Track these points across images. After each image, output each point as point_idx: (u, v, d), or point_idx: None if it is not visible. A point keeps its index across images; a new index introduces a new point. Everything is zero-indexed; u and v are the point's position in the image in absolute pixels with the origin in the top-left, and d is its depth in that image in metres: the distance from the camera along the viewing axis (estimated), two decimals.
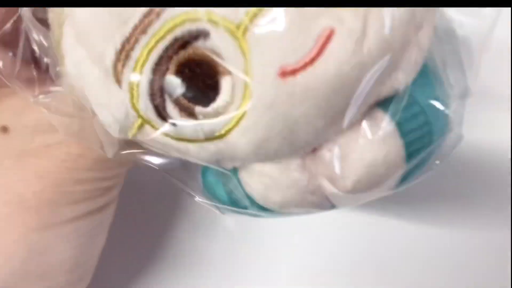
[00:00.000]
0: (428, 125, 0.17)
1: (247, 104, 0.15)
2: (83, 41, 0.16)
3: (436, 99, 0.17)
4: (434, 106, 0.17)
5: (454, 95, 0.17)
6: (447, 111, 0.17)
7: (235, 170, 0.18)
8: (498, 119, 0.28)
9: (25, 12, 0.17)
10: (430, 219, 0.29)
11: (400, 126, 0.17)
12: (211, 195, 0.19)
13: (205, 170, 0.19)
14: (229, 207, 0.19)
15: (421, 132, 0.17)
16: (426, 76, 0.17)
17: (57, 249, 0.21)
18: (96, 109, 0.17)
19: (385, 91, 0.16)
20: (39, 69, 0.18)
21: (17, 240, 0.20)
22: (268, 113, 0.15)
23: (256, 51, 0.14)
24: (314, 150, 0.17)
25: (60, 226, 0.21)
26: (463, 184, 0.28)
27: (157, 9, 0.15)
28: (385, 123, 0.16)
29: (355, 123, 0.16)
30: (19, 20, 0.17)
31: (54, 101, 0.17)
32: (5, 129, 0.20)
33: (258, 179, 0.17)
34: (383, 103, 0.17)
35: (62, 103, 0.17)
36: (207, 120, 0.15)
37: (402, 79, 0.16)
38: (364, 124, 0.16)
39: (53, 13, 0.17)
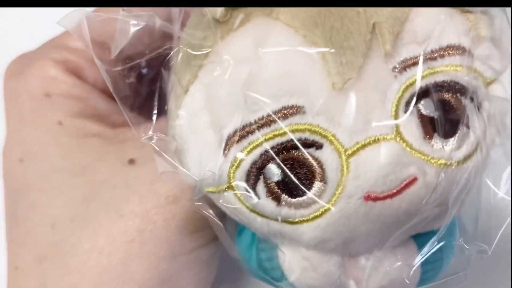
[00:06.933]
0: (440, 261, 0.21)
1: (329, 208, 0.18)
2: (211, 109, 0.19)
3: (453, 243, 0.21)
4: (450, 248, 0.21)
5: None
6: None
7: (276, 244, 0.21)
8: None
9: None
10: None
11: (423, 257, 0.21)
12: (242, 256, 0.22)
13: (240, 232, 0.22)
14: (256, 272, 0.22)
15: (433, 266, 0.21)
16: (453, 226, 0.21)
17: (180, 277, 0.22)
18: (190, 162, 0.19)
19: (424, 229, 0.20)
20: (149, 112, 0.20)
21: (148, 269, 0.20)
22: (342, 221, 0.18)
23: (353, 173, 0.17)
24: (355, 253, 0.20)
25: (186, 254, 0.21)
26: None
27: (286, 111, 0.18)
28: (416, 255, 0.20)
29: (393, 246, 0.20)
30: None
31: (158, 144, 0.19)
32: (132, 161, 0.21)
33: (300, 260, 0.20)
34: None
35: (163, 147, 0.20)
36: (287, 208, 0.18)
37: (439, 224, 0.20)
38: (400, 250, 0.20)
39: (186, 64, 0.19)
